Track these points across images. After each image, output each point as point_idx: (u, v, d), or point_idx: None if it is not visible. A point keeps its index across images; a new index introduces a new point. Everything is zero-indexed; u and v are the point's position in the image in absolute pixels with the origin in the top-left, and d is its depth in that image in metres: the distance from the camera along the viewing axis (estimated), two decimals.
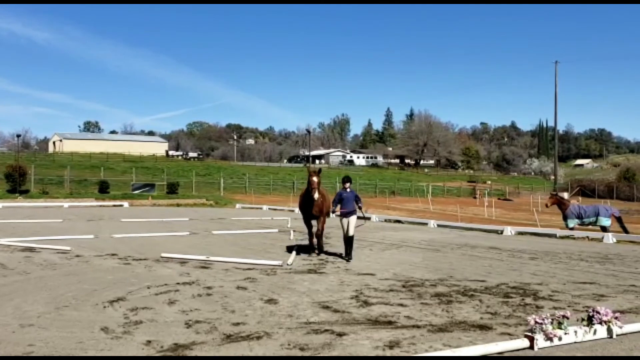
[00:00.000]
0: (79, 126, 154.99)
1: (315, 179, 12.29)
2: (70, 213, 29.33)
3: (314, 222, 13.41)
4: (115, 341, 5.63)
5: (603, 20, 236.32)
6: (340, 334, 5.98)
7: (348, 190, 12.32)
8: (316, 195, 12.19)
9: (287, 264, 11.24)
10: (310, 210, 12.86)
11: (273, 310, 7.15)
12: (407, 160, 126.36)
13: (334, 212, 12.72)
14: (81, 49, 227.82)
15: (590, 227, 20.15)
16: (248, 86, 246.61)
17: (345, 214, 12.23)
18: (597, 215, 19.70)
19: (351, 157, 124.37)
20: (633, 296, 8.47)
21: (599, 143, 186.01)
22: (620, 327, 5.96)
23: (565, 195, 21.80)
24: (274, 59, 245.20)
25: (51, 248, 13.30)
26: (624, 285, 9.49)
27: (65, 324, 6.31)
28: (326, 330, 6.13)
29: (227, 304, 7.55)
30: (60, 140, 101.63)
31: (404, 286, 9.08)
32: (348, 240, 12.27)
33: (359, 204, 12.43)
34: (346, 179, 12.47)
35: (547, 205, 20.73)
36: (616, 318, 5.95)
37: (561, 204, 20.14)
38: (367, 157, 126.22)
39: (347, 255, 12.27)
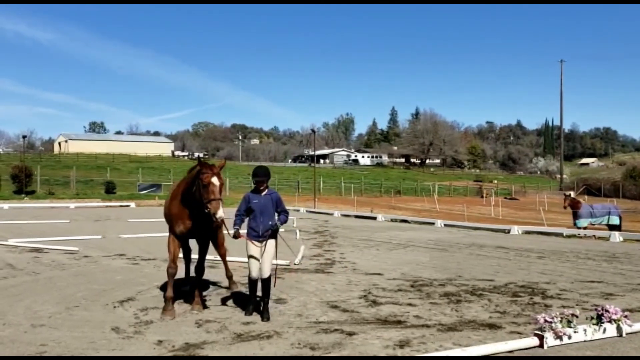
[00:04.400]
0: (84, 127, 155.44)
1: (216, 180, 6.38)
2: (77, 214, 29.45)
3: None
4: (127, 341, 5.67)
5: (609, 18, 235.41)
6: (350, 334, 6.00)
7: (264, 193, 6.91)
8: (219, 214, 6.30)
9: (295, 264, 11.25)
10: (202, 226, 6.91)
11: (282, 310, 7.18)
12: (412, 160, 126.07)
13: (235, 236, 6.84)
14: (85, 49, 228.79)
15: (596, 226, 20.12)
16: (252, 86, 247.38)
17: (256, 237, 6.84)
18: (608, 214, 19.72)
19: (356, 156, 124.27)
20: None
21: (605, 142, 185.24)
22: (630, 326, 5.96)
23: (572, 193, 21.68)
24: (278, 59, 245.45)
25: (59, 249, 13.38)
26: (632, 284, 9.47)
27: (76, 324, 6.36)
28: (336, 330, 6.16)
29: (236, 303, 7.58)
30: (66, 141, 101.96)
31: (412, 286, 9.10)
32: (262, 285, 6.84)
33: (281, 218, 7.05)
34: (260, 173, 6.81)
35: (565, 207, 20.75)
36: (625, 316, 5.95)
37: (574, 205, 20.13)
38: (372, 157, 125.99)
39: (261, 313, 6.71)
